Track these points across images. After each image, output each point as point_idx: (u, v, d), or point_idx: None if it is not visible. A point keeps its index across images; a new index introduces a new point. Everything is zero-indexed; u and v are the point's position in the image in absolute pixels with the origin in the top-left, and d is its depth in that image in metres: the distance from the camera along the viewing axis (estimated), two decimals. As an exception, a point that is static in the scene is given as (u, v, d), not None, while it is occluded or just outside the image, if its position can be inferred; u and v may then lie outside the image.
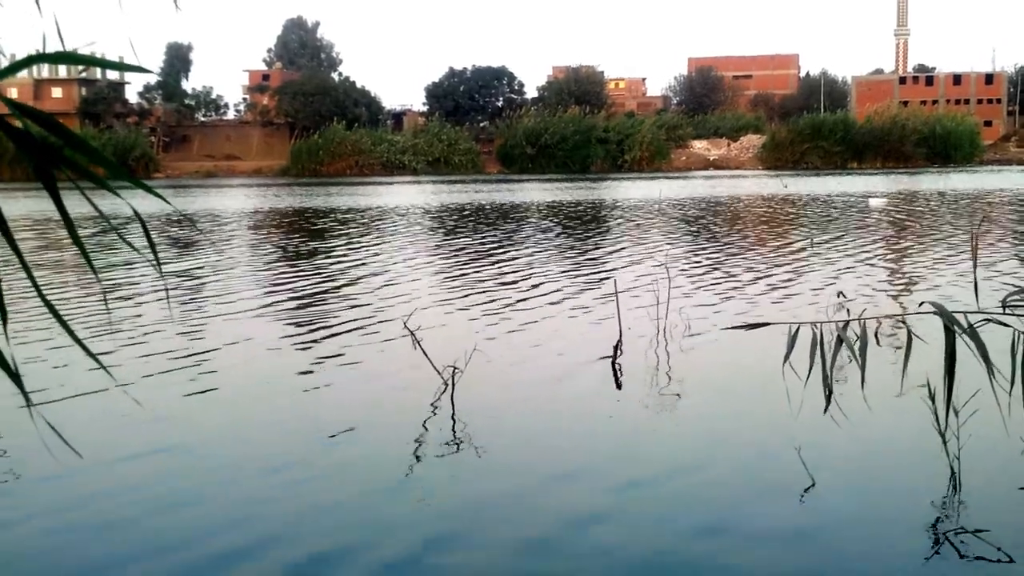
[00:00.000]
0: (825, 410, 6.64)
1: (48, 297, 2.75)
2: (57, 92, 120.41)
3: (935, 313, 6.37)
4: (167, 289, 17.12)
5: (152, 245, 2.92)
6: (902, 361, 6.77)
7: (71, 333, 2.66)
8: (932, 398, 7.13)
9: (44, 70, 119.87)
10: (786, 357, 6.55)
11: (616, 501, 7.24)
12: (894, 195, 50.10)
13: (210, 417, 9.74)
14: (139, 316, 15.51)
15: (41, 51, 2.74)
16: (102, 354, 12.16)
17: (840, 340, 6.48)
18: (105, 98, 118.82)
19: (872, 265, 21.23)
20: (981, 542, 6.31)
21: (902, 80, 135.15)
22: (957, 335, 6.26)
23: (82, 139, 2.64)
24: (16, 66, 2.66)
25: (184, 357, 12.45)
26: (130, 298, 17.39)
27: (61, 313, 2.57)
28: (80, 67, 2.82)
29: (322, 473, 7.95)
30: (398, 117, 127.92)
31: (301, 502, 7.29)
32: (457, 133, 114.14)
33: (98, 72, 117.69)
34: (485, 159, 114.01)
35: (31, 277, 2.65)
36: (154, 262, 3.01)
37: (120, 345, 13.13)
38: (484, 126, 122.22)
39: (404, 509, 7.16)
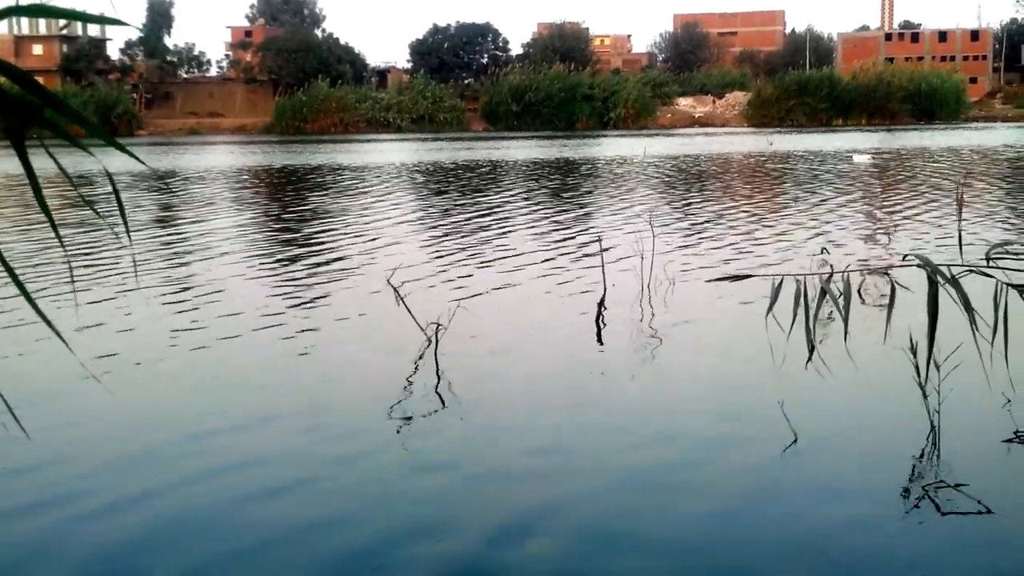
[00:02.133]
0: (807, 363, 6.64)
1: (17, 261, 2.70)
2: (38, 49, 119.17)
3: (919, 265, 6.36)
4: (134, 256, 17.00)
5: (121, 207, 2.84)
6: (885, 314, 6.77)
7: (32, 303, 2.60)
8: (914, 352, 7.13)
9: (24, 27, 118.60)
10: (769, 309, 6.54)
11: (599, 456, 7.24)
12: (879, 152, 50.09)
13: (186, 374, 9.70)
14: (115, 275, 15.42)
15: (18, 2, 2.68)
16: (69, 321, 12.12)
17: (823, 292, 6.48)
18: (86, 55, 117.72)
19: (856, 220, 21.26)
20: (960, 495, 6.34)
21: (888, 37, 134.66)
22: (940, 287, 6.25)
23: (57, 97, 2.58)
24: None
25: (162, 316, 12.39)
26: (108, 258, 17.29)
27: (29, 276, 2.52)
28: (60, 23, 2.76)
29: (304, 431, 7.93)
30: (382, 74, 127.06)
31: (283, 461, 7.27)
32: (442, 90, 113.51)
33: (79, 28, 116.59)
34: (470, 116, 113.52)
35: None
36: (121, 225, 2.94)
37: (99, 302, 13.07)
38: (469, 83, 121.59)
39: (387, 466, 7.15)
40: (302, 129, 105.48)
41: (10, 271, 2.58)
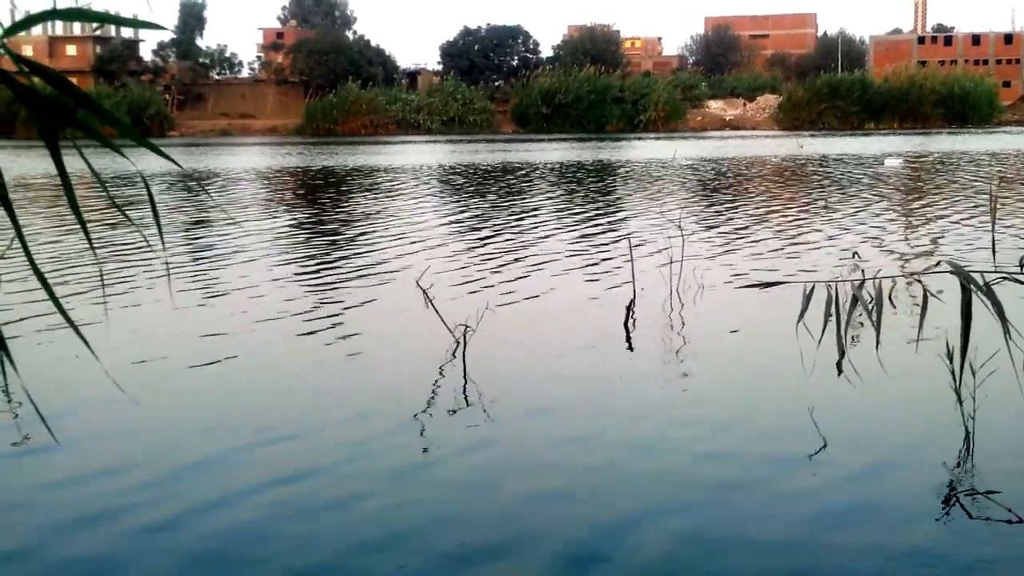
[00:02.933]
0: (839, 370, 6.60)
1: (51, 264, 2.71)
2: (71, 50, 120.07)
3: (951, 272, 6.30)
4: (166, 261, 17.09)
5: (155, 210, 2.85)
6: (918, 321, 6.71)
7: (61, 310, 2.60)
8: (950, 358, 7.05)
9: (58, 28, 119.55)
10: (800, 316, 6.50)
11: (627, 461, 7.22)
12: (911, 156, 49.75)
13: (218, 375, 9.74)
14: (148, 279, 15.50)
15: (55, 7, 2.69)
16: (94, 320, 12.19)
17: (855, 299, 6.43)
18: (120, 56, 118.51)
19: (888, 225, 21.11)
20: (992, 503, 6.27)
21: (920, 40, 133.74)
22: (973, 294, 6.19)
23: (90, 97, 2.59)
24: (29, 20, 2.60)
25: (192, 320, 12.45)
26: (141, 261, 17.38)
27: (61, 280, 2.53)
28: (94, 24, 2.77)
29: (332, 431, 7.94)
30: (412, 76, 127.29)
31: (310, 461, 7.28)
32: (472, 92, 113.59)
33: (112, 30, 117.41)
34: (500, 119, 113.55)
35: (24, 245, 2.60)
36: (154, 227, 2.94)
37: (126, 306, 13.15)
38: (499, 85, 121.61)
39: (414, 468, 7.15)
40: (332, 131, 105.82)
41: (41, 278, 2.59)
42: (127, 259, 17.05)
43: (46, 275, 2.67)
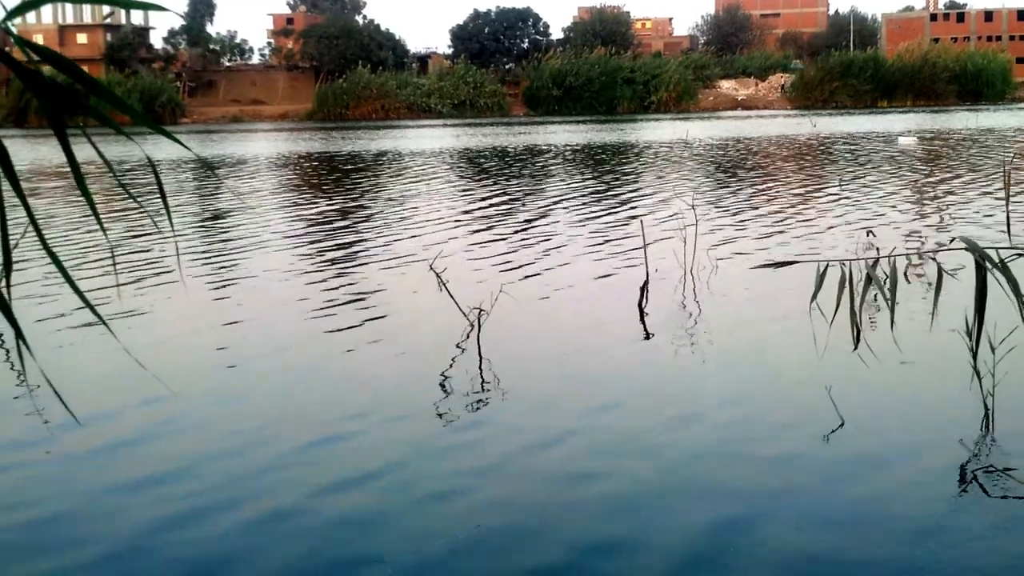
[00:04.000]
0: (855, 348, 6.57)
1: (67, 252, 2.70)
2: (82, 38, 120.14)
3: (966, 249, 6.27)
4: (176, 245, 17.10)
5: (162, 192, 2.85)
6: (932, 298, 6.68)
7: (79, 293, 2.60)
8: (969, 335, 7.00)
9: (68, 16, 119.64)
10: (813, 296, 6.47)
11: (643, 442, 7.21)
12: (924, 133, 49.52)
13: (233, 361, 9.75)
14: (160, 266, 15.53)
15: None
16: (110, 311, 12.24)
17: (869, 278, 6.40)
18: (130, 44, 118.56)
19: (902, 203, 21.02)
20: (1011, 480, 6.25)
21: (933, 17, 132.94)
22: (988, 271, 6.16)
23: (101, 84, 2.58)
24: (35, 2, 2.59)
25: (206, 303, 12.47)
26: (154, 249, 17.41)
27: (77, 267, 2.53)
28: (105, 11, 2.77)
29: (347, 415, 7.95)
30: (423, 60, 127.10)
31: (327, 445, 7.29)
32: (482, 76, 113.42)
33: (123, 17, 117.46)
34: (511, 102, 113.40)
35: (38, 231, 2.60)
36: (164, 211, 2.94)
37: (138, 292, 13.18)
38: (510, 68, 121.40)
39: (430, 451, 7.15)
40: (343, 116, 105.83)
41: (60, 266, 2.58)
42: (141, 245, 17.09)
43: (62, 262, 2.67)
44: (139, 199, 3.00)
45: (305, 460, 6.99)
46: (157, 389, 8.08)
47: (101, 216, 2.55)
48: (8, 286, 2.56)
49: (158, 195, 2.88)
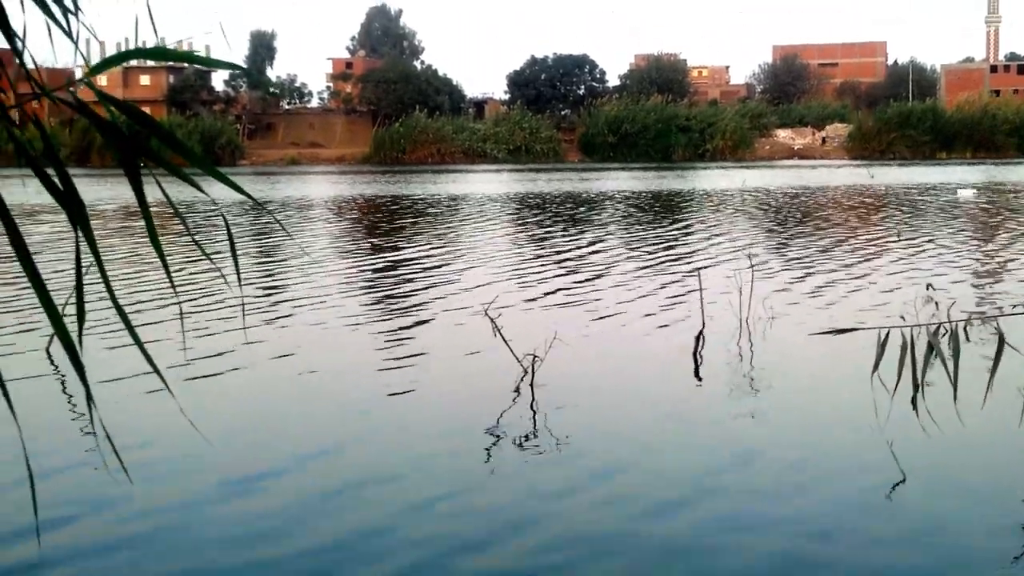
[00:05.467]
0: (914, 409, 6.47)
1: (127, 293, 2.73)
2: (145, 80, 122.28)
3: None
4: (242, 298, 17.25)
5: (233, 251, 2.89)
6: (992, 364, 6.54)
7: (139, 344, 2.63)
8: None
9: (133, 59, 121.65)
10: (875, 367, 6.37)
11: (694, 495, 7.14)
12: (984, 186, 49.00)
13: (287, 401, 9.80)
14: (219, 306, 15.66)
15: (133, 40, 2.75)
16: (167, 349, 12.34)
17: (931, 347, 6.26)
18: (192, 86, 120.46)
19: (962, 258, 20.77)
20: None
21: (993, 69, 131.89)
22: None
23: (167, 129, 2.63)
24: (114, 59, 2.65)
25: (264, 343, 12.56)
26: (214, 286, 17.59)
27: (136, 306, 2.56)
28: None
29: (401, 459, 7.95)
30: (480, 105, 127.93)
31: (379, 488, 7.30)
32: (538, 121, 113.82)
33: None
34: (566, 148, 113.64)
35: (105, 279, 2.63)
36: (232, 260, 2.97)
37: (204, 336, 13.30)
38: (565, 114, 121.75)
39: (482, 496, 7.13)
40: (400, 159, 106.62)
41: (121, 313, 2.61)
42: (200, 290, 17.26)
43: (119, 302, 2.70)
44: (202, 244, 3.03)
45: (353, 503, 6.99)
46: (200, 439, 8.12)
47: (165, 265, 2.59)
48: (80, 335, 2.59)
49: (213, 233, 2.90)
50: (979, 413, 8.60)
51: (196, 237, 2.96)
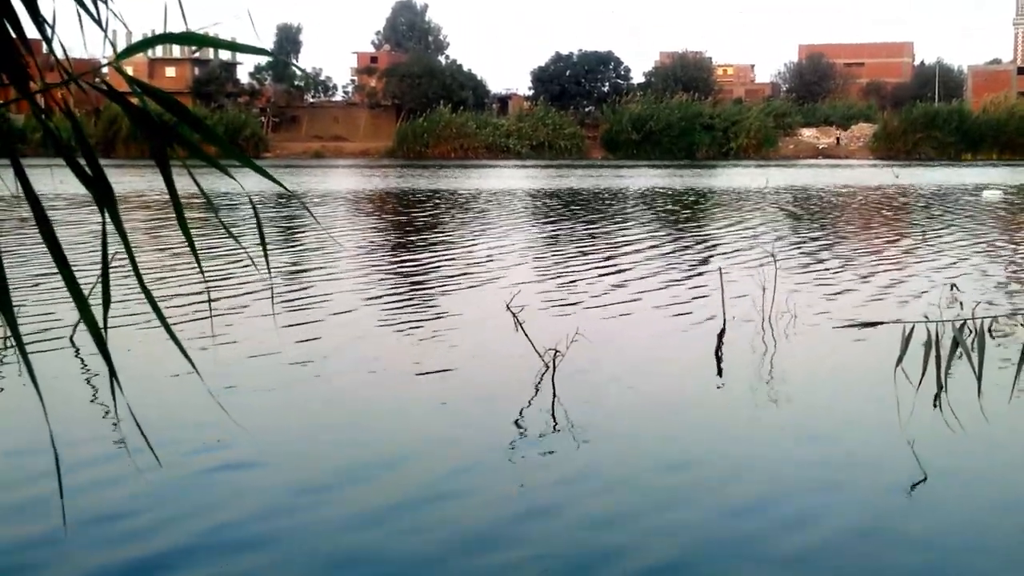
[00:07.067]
0: (936, 406, 6.44)
1: (154, 282, 2.75)
2: (171, 71, 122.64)
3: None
4: (271, 286, 17.30)
5: (263, 238, 2.90)
6: (1019, 361, 6.52)
7: (169, 331, 2.65)
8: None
9: (158, 50, 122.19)
10: (898, 362, 6.35)
11: (715, 490, 7.14)
12: (1010, 187, 48.69)
13: (311, 393, 9.85)
14: (246, 294, 15.72)
15: (161, 29, 2.75)
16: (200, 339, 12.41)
17: (955, 343, 6.24)
18: (217, 78, 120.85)
19: (987, 258, 20.65)
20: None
21: (1020, 70, 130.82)
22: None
23: (198, 118, 2.64)
24: (143, 44, 2.67)
25: (289, 334, 12.62)
26: (240, 276, 17.66)
27: (163, 295, 2.59)
28: (194, 47, 2.84)
29: (421, 453, 7.98)
30: (503, 101, 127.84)
31: (399, 483, 7.33)
32: (562, 118, 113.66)
33: (211, 52, 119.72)
34: (589, 144, 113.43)
35: (134, 265, 2.65)
36: (261, 251, 2.99)
37: (228, 325, 13.36)
38: (589, 111, 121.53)
39: (503, 491, 7.15)
40: (423, 154, 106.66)
41: (151, 300, 2.63)
42: (226, 279, 17.33)
43: (149, 290, 2.72)
44: (238, 242, 3.05)
45: (378, 487, 7.01)
46: (229, 424, 8.17)
47: (194, 253, 2.60)
48: (105, 319, 2.61)
49: (242, 224, 2.93)
50: (1004, 411, 8.57)
51: (232, 236, 2.99)
